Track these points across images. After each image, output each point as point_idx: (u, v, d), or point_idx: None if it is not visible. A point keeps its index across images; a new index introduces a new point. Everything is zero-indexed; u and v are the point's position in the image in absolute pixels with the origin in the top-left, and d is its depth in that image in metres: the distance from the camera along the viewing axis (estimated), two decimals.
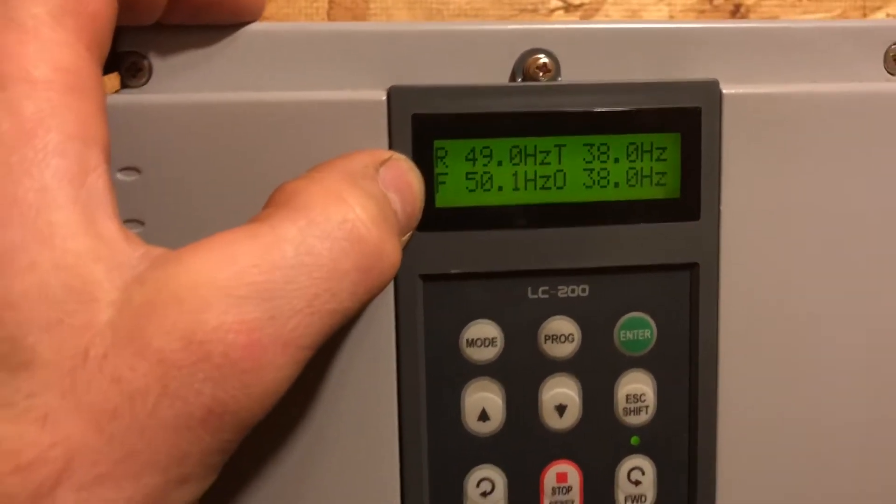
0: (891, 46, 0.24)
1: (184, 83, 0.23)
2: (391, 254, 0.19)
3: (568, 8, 0.39)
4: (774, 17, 0.41)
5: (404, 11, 0.36)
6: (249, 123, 0.22)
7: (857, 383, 0.25)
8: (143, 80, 0.23)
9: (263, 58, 0.23)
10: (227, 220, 0.20)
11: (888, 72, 0.25)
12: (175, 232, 0.21)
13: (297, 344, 0.17)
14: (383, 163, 0.21)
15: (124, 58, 0.22)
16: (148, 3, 0.21)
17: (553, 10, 0.39)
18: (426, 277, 0.23)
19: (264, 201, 0.20)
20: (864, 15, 0.38)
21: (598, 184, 0.23)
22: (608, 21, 0.33)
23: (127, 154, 0.22)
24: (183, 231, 0.21)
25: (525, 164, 0.23)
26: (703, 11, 0.42)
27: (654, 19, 0.35)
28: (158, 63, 0.23)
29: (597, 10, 0.40)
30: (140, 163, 0.22)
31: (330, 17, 0.35)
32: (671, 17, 0.40)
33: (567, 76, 0.24)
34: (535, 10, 0.38)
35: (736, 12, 0.43)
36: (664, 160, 0.23)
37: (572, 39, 0.24)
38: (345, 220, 0.18)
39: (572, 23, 0.31)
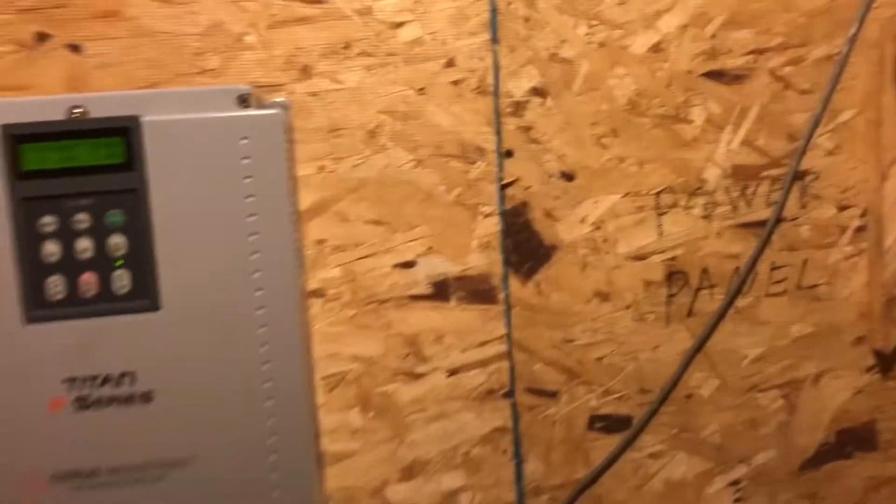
0: (238, 96, 0.48)
1: None
2: None
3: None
4: (336, 72, 0.64)
5: None
6: None
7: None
8: None
9: None
10: None
11: (238, 105, 0.48)
12: None
13: None
14: None
15: None
16: None
17: None
18: None
19: None
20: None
21: None
22: None
23: None
24: None
25: None
26: (285, 70, 0.64)
27: None
28: None
29: None
30: None
31: None
32: None
33: None
34: None
35: (305, 70, 0.65)
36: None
37: None
38: None
39: None
